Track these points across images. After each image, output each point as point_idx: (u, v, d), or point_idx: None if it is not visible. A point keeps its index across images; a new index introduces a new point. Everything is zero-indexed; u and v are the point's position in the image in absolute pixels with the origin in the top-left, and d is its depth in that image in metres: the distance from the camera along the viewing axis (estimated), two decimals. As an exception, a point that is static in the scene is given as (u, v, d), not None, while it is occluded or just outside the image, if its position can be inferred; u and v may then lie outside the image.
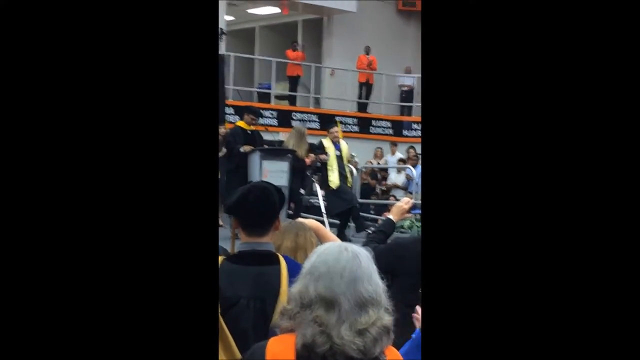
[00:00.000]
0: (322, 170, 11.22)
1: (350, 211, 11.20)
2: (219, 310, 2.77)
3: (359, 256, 2.03)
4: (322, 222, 10.31)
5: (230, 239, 3.16)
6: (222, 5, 18.09)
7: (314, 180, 11.36)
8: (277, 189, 2.98)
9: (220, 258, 2.90)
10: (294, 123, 17.64)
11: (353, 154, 12.23)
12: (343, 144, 11.53)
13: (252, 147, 10.66)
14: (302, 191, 11.72)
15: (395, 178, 16.30)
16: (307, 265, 2.05)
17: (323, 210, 11.15)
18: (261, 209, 2.90)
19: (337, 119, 13.20)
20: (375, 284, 2.01)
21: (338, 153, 11.28)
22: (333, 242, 2.14)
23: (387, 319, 1.99)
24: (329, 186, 11.19)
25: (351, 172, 11.78)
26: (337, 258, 2.01)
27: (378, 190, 16.68)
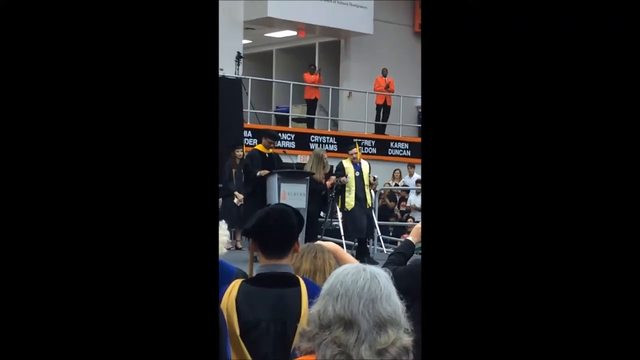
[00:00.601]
0: (342, 192, 11.19)
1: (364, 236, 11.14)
2: (239, 333, 2.76)
3: (377, 277, 2.03)
4: (341, 245, 10.29)
5: (248, 261, 3.16)
6: (239, 29, 18.22)
7: (336, 202, 11.30)
8: (296, 212, 2.98)
9: (239, 281, 2.90)
10: (312, 146, 17.68)
11: (375, 176, 12.14)
12: (364, 165, 11.48)
13: (268, 171, 10.67)
14: (322, 214, 11.67)
15: (414, 200, 16.26)
16: (325, 286, 2.05)
17: (342, 232, 11.12)
18: (280, 231, 2.89)
19: (355, 140, 13.16)
20: (394, 304, 2.02)
21: (357, 174, 11.26)
22: (351, 263, 2.14)
23: (407, 340, 1.99)
24: (346, 208, 11.17)
25: (371, 194, 11.69)
26: (355, 279, 2.01)
27: (397, 212, 16.65)
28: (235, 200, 11.83)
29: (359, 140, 17.08)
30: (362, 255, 10.56)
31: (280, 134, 16.50)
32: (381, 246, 12.93)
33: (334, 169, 11.61)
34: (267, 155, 11.18)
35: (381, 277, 2.04)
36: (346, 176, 11.11)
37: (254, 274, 3.02)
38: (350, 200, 11.13)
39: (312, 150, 15.12)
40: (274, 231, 2.88)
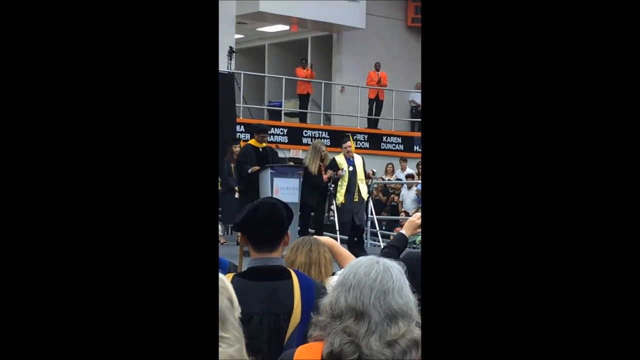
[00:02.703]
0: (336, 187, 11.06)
1: (355, 232, 11.02)
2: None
3: (390, 269, 2.06)
4: (335, 239, 10.23)
5: (238, 256, 3.16)
6: (231, 24, 18.20)
7: (332, 197, 11.18)
8: (285, 205, 2.98)
9: (231, 275, 2.89)
10: (305, 140, 17.69)
11: (374, 170, 11.98)
12: (357, 160, 11.27)
13: (258, 167, 10.63)
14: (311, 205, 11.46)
15: (407, 195, 16.25)
16: (339, 277, 2.09)
17: (337, 227, 11.05)
18: (270, 225, 2.90)
19: (348, 134, 13.03)
20: (407, 296, 2.04)
21: (351, 169, 11.11)
22: (366, 255, 2.17)
23: (417, 333, 2.02)
24: (336, 204, 11.05)
25: (367, 189, 11.52)
26: (367, 270, 2.05)
27: (388, 206, 16.66)
28: (237, 195, 11.77)
29: (351, 134, 17.07)
30: (356, 249, 10.46)
31: (273, 129, 16.49)
32: (378, 240, 12.89)
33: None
34: (261, 149, 11.15)
35: (394, 270, 2.06)
36: (342, 170, 10.97)
37: (245, 268, 3.02)
38: (340, 196, 11.01)
39: (305, 144, 15.07)
40: (264, 225, 2.89)
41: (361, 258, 2.13)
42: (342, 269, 2.12)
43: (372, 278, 2.03)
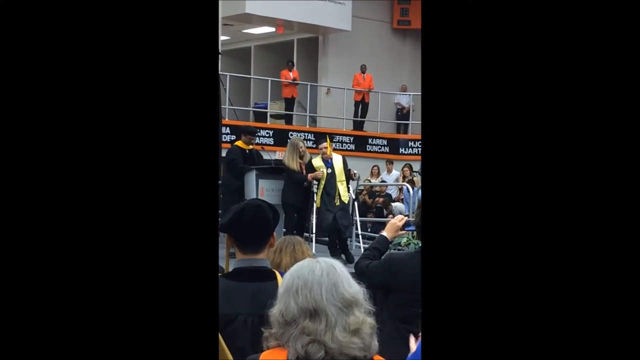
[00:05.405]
0: (318, 188, 10.77)
1: (337, 237, 10.78)
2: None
3: (333, 264, 2.08)
4: (311, 240, 10.14)
5: (225, 257, 3.19)
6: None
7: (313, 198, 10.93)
8: (271, 207, 3.02)
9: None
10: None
11: (355, 171, 11.66)
12: (336, 160, 10.83)
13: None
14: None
15: (397, 208, 16.01)
16: (282, 286, 2.09)
17: (313, 229, 10.72)
18: (256, 226, 2.93)
19: (331, 136, 12.67)
20: (355, 286, 2.06)
21: (329, 171, 10.72)
22: (306, 258, 2.19)
23: (371, 320, 2.04)
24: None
25: (348, 190, 11.27)
26: (311, 269, 2.06)
27: (374, 209, 16.64)
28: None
29: (337, 136, 17.05)
30: (334, 253, 10.15)
31: (259, 131, 16.47)
32: (366, 242, 12.73)
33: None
34: (247, 151, 11.11)
35: (337, 265, 2.09)
36: (320, 171, 10.63)
37: (231, 269, 3.05)
38: (317, 198, 10.69)
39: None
40: (250, 226, 2.91)
41: (300, 262, 2.13)
42: (285, 276, 2.12)
43: (318, 275, 2.03)
